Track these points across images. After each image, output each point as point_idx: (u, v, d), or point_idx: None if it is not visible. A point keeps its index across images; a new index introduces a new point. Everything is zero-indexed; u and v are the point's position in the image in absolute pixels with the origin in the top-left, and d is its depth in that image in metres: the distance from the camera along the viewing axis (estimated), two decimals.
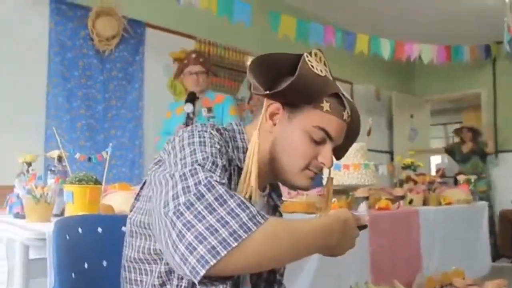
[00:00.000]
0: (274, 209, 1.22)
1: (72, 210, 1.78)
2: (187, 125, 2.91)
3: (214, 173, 0.90)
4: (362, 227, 1.07)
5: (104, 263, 1.32)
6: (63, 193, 1.91)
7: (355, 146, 3.14)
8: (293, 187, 1.13)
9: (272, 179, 1.15)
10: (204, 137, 0.98)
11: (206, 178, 0.86)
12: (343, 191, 3.07)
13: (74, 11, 3.42)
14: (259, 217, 0.83)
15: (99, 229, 1.35)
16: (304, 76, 1.01)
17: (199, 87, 3.24)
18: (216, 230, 0.79)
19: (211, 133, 1.00)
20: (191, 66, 3.24)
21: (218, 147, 0.98)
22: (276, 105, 1.08)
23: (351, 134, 1.16)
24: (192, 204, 0.82)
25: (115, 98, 3.58)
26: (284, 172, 1.09)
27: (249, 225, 0.81)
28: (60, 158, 2.05)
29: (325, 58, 1.12)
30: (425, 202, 3.37)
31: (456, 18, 5.57)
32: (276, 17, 3.88)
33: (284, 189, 2.96)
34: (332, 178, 1.21)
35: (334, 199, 2.74)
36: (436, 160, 9.36)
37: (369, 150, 3.57)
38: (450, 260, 3.19)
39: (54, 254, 1.23)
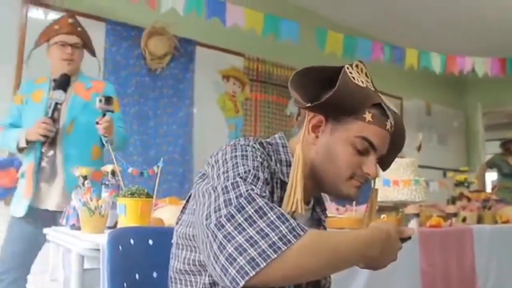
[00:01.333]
0: (318, 223, 1.22)
1: (125, 222, 1.84)
2: (53, 119, 2.30)
3: (255, 186, 0.91)
4: (405, 238, 1.05)
5: (154, 274, 1.35)
6: (116, 206, 1.98)
7: (405, 161, 3.09)
8: (340, 196, 1.12)
9: (317, 191, 1.16)
10: (246, 150, 1.00)
11: (247, 191, 0.88)
12: (392, 208, 3.01)
13: (127, 32, 3.56)
14: (299, 229, 0.83)
15: (150, 241, 1.39)
16: (345, 88, 1.02)
17: (72, 66, 2.43)
18: (256, 242, 0.81)
19: (254, 147, 1.02)
20: (63, 35, 2.41)
21: (260, 160, 0.99)
22: (318, 118, 1.09)
23: (396, 144, 1.15)
24: (232, 216, 0.84)
25: (166, 114, 3.68)
26: (330, 183, 1.09)
27: (288, 237, 0.82)
28: (113, 173, 2.13)
29: (366, 69, 1.12)
30: (479, 220, 3.25)
31: (509, 29, 5.40)
32: (323, 33, 3.89)
33: (332, 206, 2.94)
34: (376, 190, 1.20)
35: (383, 215, 2.69)
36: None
37: (420, 166, 3.50)
38: (508, 281, 3.06)
39: (108, 264, 1.28)
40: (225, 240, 0.82)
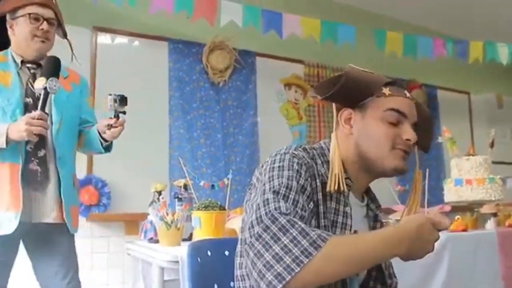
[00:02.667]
0: (375, 219, 1.26)
1: (200, 234, 1.91)
2: (45, 113, 1.83)
3: (287, 198, 1.00)
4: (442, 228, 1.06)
5: (232, 284, 1.40)
6: (190, 219, 2.06)
7: (477, 159, 2.99)
8: (389, 171, 1.16)
9: (368, 178, 1.21)
10: (283, 160, 1.08)
11: (274, 209, 0.97)
12: (467, 208, 2.92)
13: (189, 48, 3.67)
14: (320, 240, 0.91)
15: (226, 252, 1.44)
16: (352, 72, 1.13)
17: (47, 46, 2.01)
18: (281, 258, 0.91)
19: (293, 154, 1.10)
20: (36, 6, 1.98)
21: (297, 167, 1.07)
22: (347, 111, 1.19)
23: (423, 122, 1.21)
24: (260, 236, 0.94)
25: (232, 126, 3.75)
26: (376, 161, 1.14)
27: (310, 250, 0.90)
28: (185, 186, 2.22)
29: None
30: None
31: None
32: (381, 34, 3.83)
33: (401, 207, 2.88)
34: (419, 172, 1.25)
35: (457, 216, 2.62)
36: None
37: (494, 163, 3.36)
38: None
39: (188, 275, 1.34)
40: (255, 258, 0.93)
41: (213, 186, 2.22)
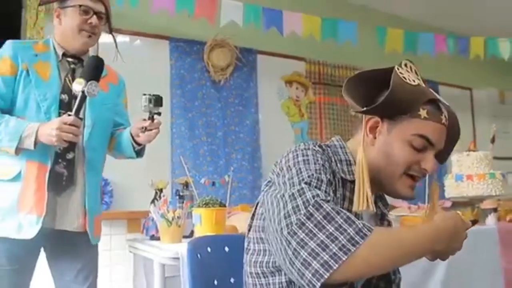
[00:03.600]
0: (382, 217, 1.26)
1: (201, 231, 1.93)
2: (80, 118, 1.71)
3: (320, 189, 0.98)
4: (473, 223, 1.07)
5: (232, 280, 1.42)
6: (191, 216, 2.08)
7: (478, 155, 2.99)
8: (396, 195, 1.15)
9: (377, 190, 1.19)
10: (307, 155, 1.06)
11: (313, 197, 0.94)
12: (468, 204, 2.93)
13: (190, 47, 3.68)
14: (365, 229, 0.89)
15: (226, 248, 1.46)
16: (397, 89, 1.05)
17: (93, 41, 1.91)
18: (327, 246, 0.87)
19: (314, 150, 1.08)
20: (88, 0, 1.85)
21: (321, 162, 1.05)
22: (374, 119, 1.13)
23: (451, 136, 1.18)
24: (303, 224, 0.90)
25: (233, 123, 3.76)
26: (385, 181, 1.13)
27: (356, 238, 0.88)
28: (187, 184, 2.24)
29: (416, 67, 1.15)
30: None
31: None
32: (382, 31, 3.83)
33: (404, 205, 2.90)
34: (437, 185, 1.24)
35: (458, 212, 2.63)
36: None
37: (496, 158, 3.36)
38: None
39: (188, 272, 1.36)
40: (299, 247, 0.89)
41: (213, 183, 2.23)
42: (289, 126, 4.09)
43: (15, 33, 2.97)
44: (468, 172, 2.89)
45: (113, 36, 2.04)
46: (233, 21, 3.25)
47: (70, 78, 1.83)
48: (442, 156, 1.18)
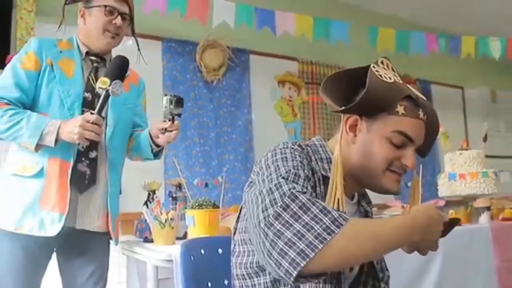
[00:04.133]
0: (366, 216, 1.27)
1: (194, 233, 1.92)
2: (102, 117, 1.72)
3: (297, 183, 0.99)
4: (453, 223, 1.07)
5: (225, 282, 1.41)
6: (184, 217, 2.07)
7: (470, 153, 3.01)
8: (382, 191, 1.16)
9: (360, 188, 1.21)
10: (285, 153, 1.08)
11: (289, 190, 0.95)
12: (461, 202, 2.94)
13: (182, 47, 3.67)
14: (341, 219, 0.90)
15: (220, 250, 1.45)
16: (373, 87, 1.06)
17: (117, 42, 1.92)
18: (303, 235, 0.88)
19: (292, 148, 1.09)
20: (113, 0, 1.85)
21: (300, 159, 1.06)
22: (353, 118, 1.14)
23: (431, 130, 1.18)
24: (279, 215, 0.91)
25: (225, 124, 3.76)
26: (370, 178, 1.14)
27: (332, 228, 0.88)
28: (180, 185, 2.22)
29: (392, 64, 1.16)
30: None
31: None
32: (374, 31, 3.84)
33: (398, 204, 2.90)
34: (417, 178, 1.23)
35: (451, 211, 2.64)
36: None
37: (488, 156, 3.37)
38: None
39: (182, 274, 1.35)
40: (275, 237, 0.89)
41: (206, 184, 2.22)
42: (282, 126, 4.09)
43: (4, 33, 2.94)
44: (461, 171, 2.90)
45: (135, 38, 2.04)
46: (225, 21, 3.24)
47: (93, 76, 1.84)
48: (423, 150, 1.20)
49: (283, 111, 4.10)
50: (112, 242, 1.91)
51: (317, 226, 0.88)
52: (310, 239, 0.87)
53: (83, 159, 1.78)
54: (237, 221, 1.18)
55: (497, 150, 5.52)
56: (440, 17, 5.04)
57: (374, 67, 1.09)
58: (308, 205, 0.91)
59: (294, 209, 0.91)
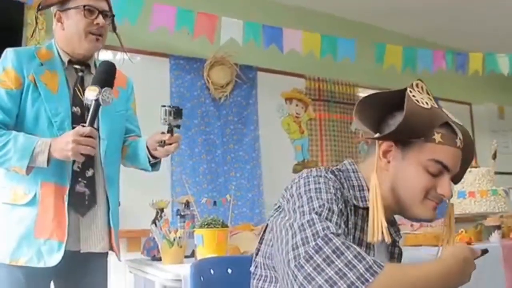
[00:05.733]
0: (393, 244, 1.23)
1: (203, 252, 1.90)
2: (75, 122, 1.64)
3: (331, 220, 0.95)
4: (482, 253, 1.05)
5: None
6: (193, 236, 2.06)
7: (479, 171, 2.98)
8: (417, 219, 1.14)
9: (390, 214, 1.17)
10: (319, 182, 1.03)
11: (323, 229, 0.91)
12: (471, 220, 2.91)
13: (190, 64, 3.69)
14: (376, 266, 0.86)
15: (229, 270, 1.44)
16: (411, 114, 1.03)
17: (100, 44, 1.74)
18: (335, 283, 0.84)
19: (326, 177, 1.05)
20: None
21: (334, 191, 1.02)
22: (388, 143, 1.10)
23: (466, 156, 1.15)
24: (311, 257, 0.88)
25: (232, 141, 3.75)
26: (406, 206, 1.10)
27: (366, 276, 0.84)
28: (188, 203, 2.21)
29: (426, 86, 1.12)
30: None
31: None
32: (380, 48, 3.84)
33: (407, 222, 2.88)
34: (452, 205, 1.20)
35: (462, 230, 2.61)
36: None
37: (498, 173, 3.35)
38: None
39: None
40: (305, 281, 0.86)
41: (215, 203, 2.21)
42: (289, 143, 4.09)
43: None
44: (470, 189, 2.88)
45: (117, 35, 1.84)
46: (233, 38, 3.25)
47: (80, 87, 1.69)
48: (457, 176, 1.16)
49: (290, 128, 4.10)
50: (113, 258, 1.84)
51: (351, 273, 0.84)
52: (342, 287, 0.84)
53: (80, 179, 1.65)
54: (260, 242, 1.15)
55: (506, 167, 5.48)
56: (445, 34, 5.05)
57: (410, 91, 1.06)
58: (342, 249, 0.88)
59: (327, 253, 0.87)
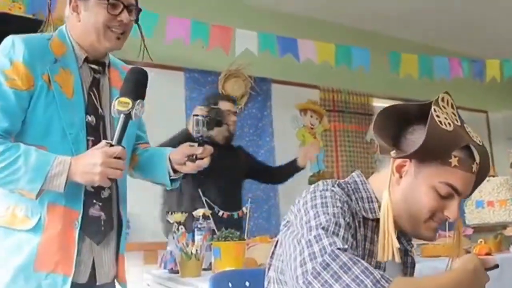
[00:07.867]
0: (405, 254, 1.23)
1: (220, 265, 1.90)
2: (89, 134, 1.39)
3: (337, 235, 0.95)
4: (493, 267, 1.04)
5: None
6: (210, 248, 2.06)
7: (497, 180, 2.95)
8: (417, 237, 1.13)
9: (396, 227, 1.16)
10: (325, 197, 1.04)
11: (330, 245, 0.92)
12: (490, 230, 2.87)
13: (205, 77, 3.72)
14: (383, 281, 0.86)
15: (247, 283, 1.45)
16: (432, 138, 1.01)
17: (122, 43, 1.47)
18: None
19: (333, 191, 1.05)
20: None
21: (340, 205, 1.02)
22: (402, 159, 1.09)
23: (480, 176, 1.13)
24: (319, 274, 0.88)
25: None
26: (409, 222, 1.10)
27: None
28: (204, 216, 2.22)
29: (452, 100, 1.11)
30: None
31: None
32: (395, 57, 3.84)
33: None
34: (460, 220, 1.19)
35: (481, 240, 2.57)
36: None
37: None
38: None
39: None
40: None
41: (232, 215, 2.21)
42: None
43: None
44: (489, 198, 2.84)
45: (140, 28, 1.57)
46: (247, 50, 3.26)
47: (96, 91, 1.43)
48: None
49: (305, 139, 4.10)
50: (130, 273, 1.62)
51: None
52: None
53: (94, 201, 1.37)
54: (271, 257, 1.15)
55: None
56: (458, 41, 5.02)
57: (435, 110, 1.03)
58: (349, 264, 0.88)
59: (335, 268, 0.88)
